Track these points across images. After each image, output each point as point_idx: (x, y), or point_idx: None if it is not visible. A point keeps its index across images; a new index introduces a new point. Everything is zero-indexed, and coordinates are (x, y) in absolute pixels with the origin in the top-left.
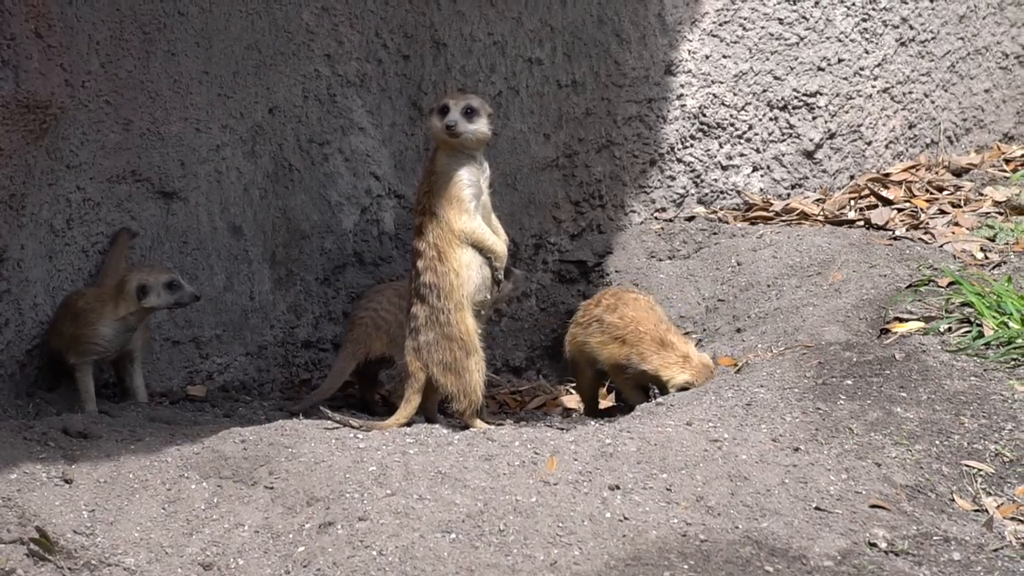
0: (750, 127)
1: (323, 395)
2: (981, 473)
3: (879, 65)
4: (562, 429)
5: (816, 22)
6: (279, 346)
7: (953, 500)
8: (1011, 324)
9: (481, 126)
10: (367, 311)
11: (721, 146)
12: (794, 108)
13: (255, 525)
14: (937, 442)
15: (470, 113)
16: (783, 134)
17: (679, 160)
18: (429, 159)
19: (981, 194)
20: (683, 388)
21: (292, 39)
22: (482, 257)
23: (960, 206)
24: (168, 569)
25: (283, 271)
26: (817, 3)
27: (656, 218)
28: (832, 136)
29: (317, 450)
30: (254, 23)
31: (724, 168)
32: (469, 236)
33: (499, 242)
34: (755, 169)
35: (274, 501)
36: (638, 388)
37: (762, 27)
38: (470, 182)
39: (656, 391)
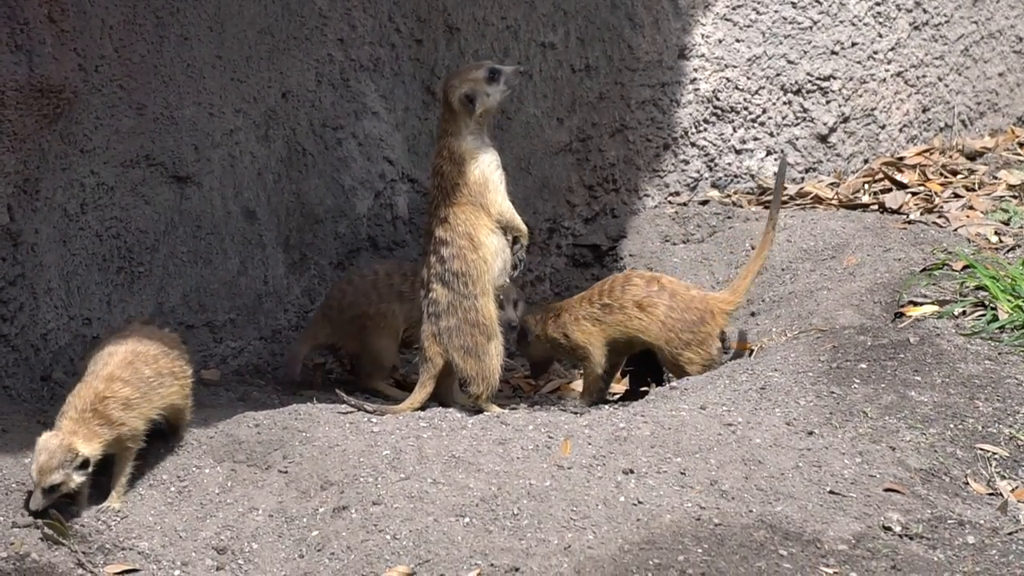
0: (764, 111)
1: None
2: (995, 457)
3: (893, 49)
4: (576, 413)
5: (830, 6)
6: (293, 330)
7: (967, 484)
8: None
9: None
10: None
11: (735, 130)
12: (808, 92)
13: (269, 509)
14: (951, 426)
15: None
16: (797, 118)
17: (693, 144)
18: (445, 146)
19: (995, 178)
20: None
21: (305, 23)
22: (504, 241)
23: (974, 190)
24: (182, 553)
25: (297, 255)
26: None
27: (670, 202)
28: (846, 120)
29: (331, 434)
30: (267, 7)
31: (738, 152)
32: (504, 218)
33: (523, 222)
34: (769, 153)
35: (288, 485)
36: None
37: (775, 11)
38: (498, 163)
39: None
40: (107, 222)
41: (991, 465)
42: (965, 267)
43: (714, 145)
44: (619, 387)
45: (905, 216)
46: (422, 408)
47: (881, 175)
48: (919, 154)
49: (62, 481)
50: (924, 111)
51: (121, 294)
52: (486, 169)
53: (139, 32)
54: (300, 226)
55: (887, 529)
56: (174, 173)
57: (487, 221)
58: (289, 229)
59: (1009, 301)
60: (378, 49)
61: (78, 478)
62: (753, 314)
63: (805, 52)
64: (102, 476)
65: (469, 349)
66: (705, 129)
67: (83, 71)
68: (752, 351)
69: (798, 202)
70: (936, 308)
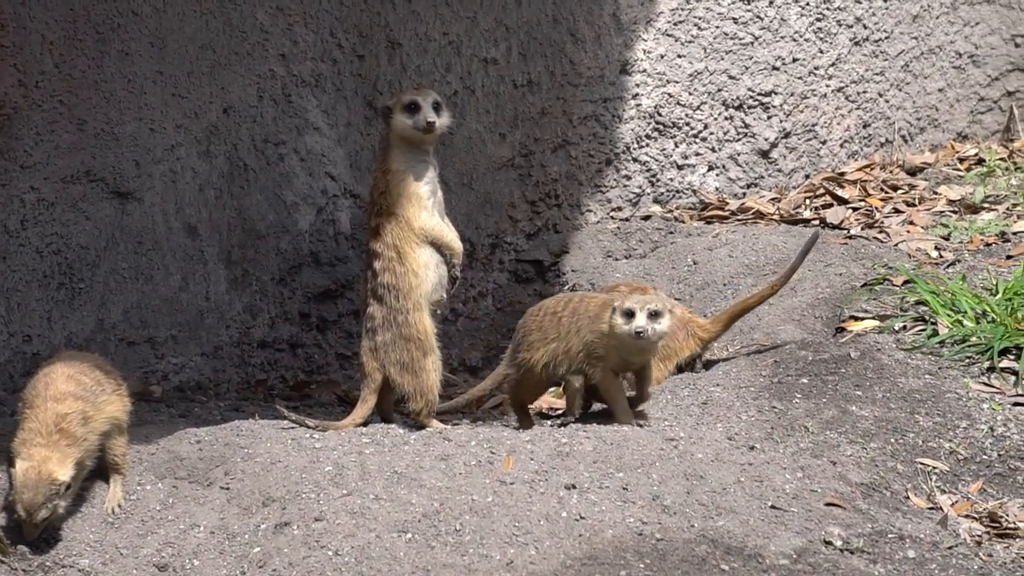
0: (705, 126)
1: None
2: (936, 471)
3: (833, 64)
4: (518, 428)
5: (770, 21)
6: (235, 346)
7: (908, 498)
8: (965, 322)
9: (446, 119)
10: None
11: (677, 145)
12: (749, 107)
13: (211, 526)
14: (892, 440)
15: (438, 107)
16: (738, 133)
17: (635, 159)
18: (381, 158)
19: (935, 193)
20: None
21: (246, 39)
22: (439, 256)
23: (915, 205)
24: (123, 570)
25: (239, 271)
26: (771, 3)
27: (612, 217)
28: (787, 135)
29: (273, 450)
30: (208, 23)
31: (680, 167)
32: (429, 233)
33: (457, 239)
34: (711, 168)
35: (230, 502)
36: None
37: (717, 26)
38: (427, 179)
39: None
40: (47, 238)
41: (931, 479)
42: (905, 282)
43: (656, 160)
44: (560, 403)
45: (846, 231)
46: (364, 424)
47: (822, 190)
48: (860, 169)
49: (51, 513)
50: (865, 126)
51: (62, 310)
52: (410, 184)
53: (80, 47)
54: (242, 242)
55: (828, 544)
56: (115, 189)
57: (413, 235)
58: (231, 245)
59: (949, 316)
60: (320, 64)
61: (64, 503)
62: None
63: (746, 68)
64: None
65: (406, 364)
66: (647, 144)
67: (23, 86)
68: None
69: (739, 217)
70: (877, 323)
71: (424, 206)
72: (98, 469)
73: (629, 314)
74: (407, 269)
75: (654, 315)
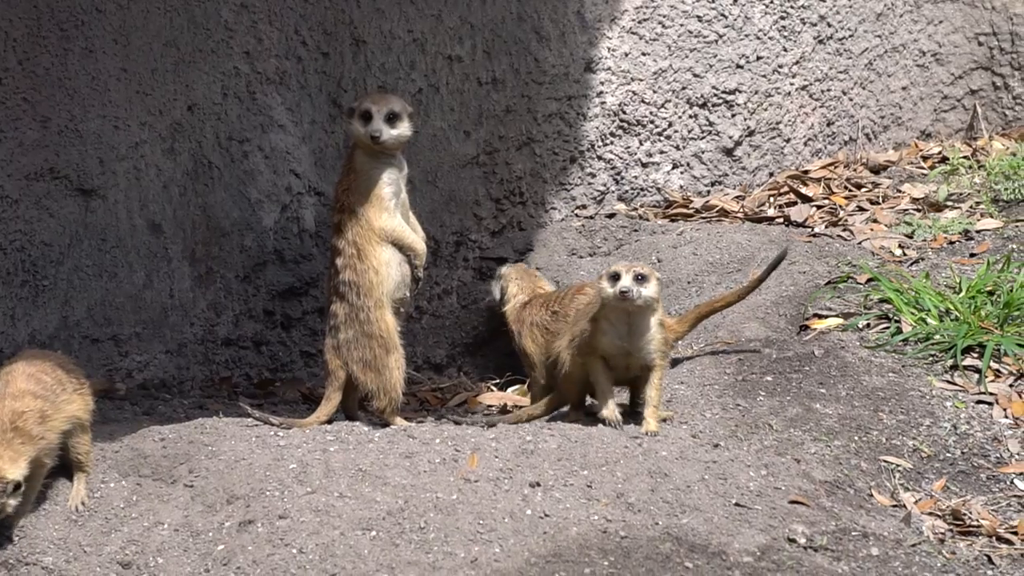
0: (670, 124)
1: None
2: (899, 469)
3: (797, 63)
4: (483, 426)
5: (735, 20)
6: (199, 344)
7: (872, 496)
8: (929, 320)
9: (404, 129)
10: None
11: (641, 143)
12: (713, 105)
13: (175, 523)
14: (856, 438)
15: (392, 118)
16: (703, 131)
17: (599, 157)
18: (347, 157)
19: (899, 191)
20: None
21: (211, 36)
22: (401, 255)
23: (878, 203)
24: (87, 568)
25: (203, 269)
26: (735, 1)
27: (577, 215)
28: (751, 133)
29: (237, 448)
30: (172, 20)
31: (644, 165)
32: (389, 234)
33: (419, 240)
34: (675, 166)
35: (194, 499)
36: None
37: (681, 24)
38: (389, 180)
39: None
40: (11, 235)
41: (895, 477)
42: (869, 280)
43: (621, 158)
44: (525, 400)
45: (810, 229)
46: (329, 421)
47: (786, 188)
48: (824, 167)
49: (0, 511)
50: (829, 124)
51: (25, 308)
52: (373, 184)
53: (43, 44)
54: (206, 239)
55: (792, 541)
56: (79, 186)
57: (374, 235)
58: (195, 242)
59: (912, 314)
60: (284, 62)
61: (13, 502)
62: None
63: (711, 66)
64: None
65: (368, 362)
66: (612, 142)
67: None
68: None
69: (704, 215)
70: (841, 321)
71: (385, 207)
72: (62, 466)
73: (615, 277)
74: (367, 266)
75: (640, 278)
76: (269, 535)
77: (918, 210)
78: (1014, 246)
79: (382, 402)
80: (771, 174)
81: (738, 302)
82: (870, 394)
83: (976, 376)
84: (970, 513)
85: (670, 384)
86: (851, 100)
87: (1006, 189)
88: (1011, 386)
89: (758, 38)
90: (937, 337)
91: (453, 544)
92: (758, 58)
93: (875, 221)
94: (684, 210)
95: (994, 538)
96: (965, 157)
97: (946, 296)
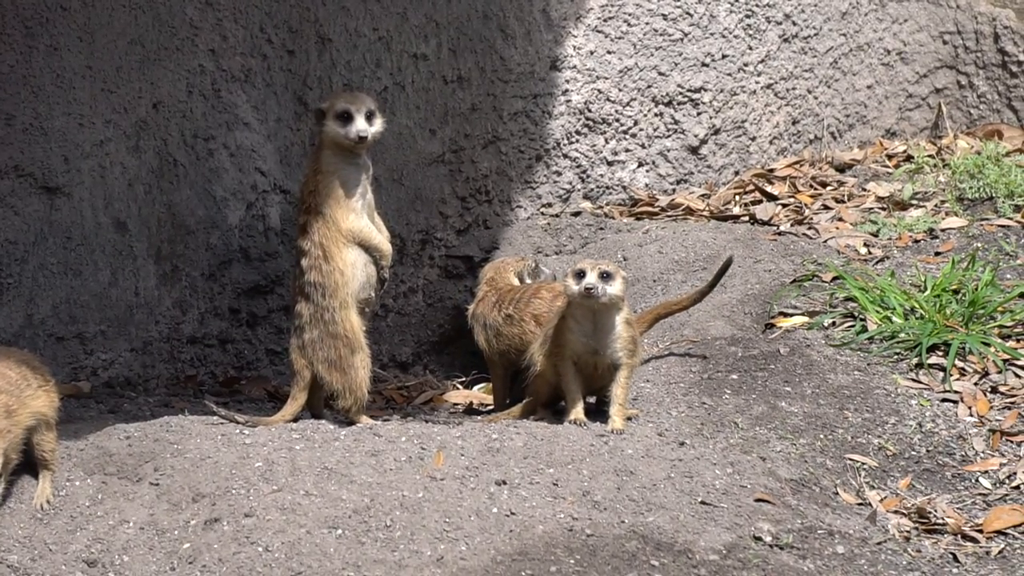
0: (635, 123)
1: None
2: (865, 467)
3: (763, 61)
4: (448, 424)
5: (700, 18)
6: (164, 342)
7: (837, 494)
8: (894, 318)
9: (380, 127)
10: None
11: (607, 141)
12: (679, 104)
13: (140, 522)
14: (821, 436)
15: (371, 116)
16: (668, 130)
17: (565, 156)
18: (313, 157)
19: (864, 190)
20: None
21: (176, 34)
22: (368, 256)
23: (844, 201)
24: (52, 566)
25: (168, 267)
26: None
27: (542, 213)
28: (717, 132)
29: (203, 446)
30: (137, 18)
31: (610, 164)
32: (356, 236)
33: (385, 241)
34: (640, 164)
35: (159, 498)
36: None
37: (646, 23)
38: (356, 181)
39: None
40: None
41: (860, 475)
42: (835, 278)
43: (586, 157)
44: (488, 398)
45: (775, 228)
46: (294, 420)
47: (752, 187)
48: (789, 166)
49: None
50: (794, 123)
51: None
52: (339, 186)
53: (7, 42)
54: (171, 237)
55: (758, 539)
56: (43, 184)
57: (340, 236)
58: (160, 240)
59: (878, 312)
60: (249, 60)
61: None
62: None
63: (676, 64)
64: None
65: (333, 362)
66: (577, 141)
67: None
68: None
69: (669, 214)
70: (806, 319)
71: (352, 208)
72: (27, 465)
73: (580, 274)
74: (333, 267)
75: (605, 276)
76: (235, 533)
77: (883, 209)
78: (979, 245)
79: (347, 401)
80: (736, 172)
81: (692, 306)
82: (835, 392)
83: (941, 374)
84: (935, 511)
85: (636, 382)
86: (816, 99)
87: (971, 188)
88: (976, 384)
89: (723, 36)
90: (902, 335)
91: (419, 542)
92: (723, 56)
93: (840, 220)
94: (650, 208)
95: (959, 536)
96: (930, 156)
97: (911, 294)
